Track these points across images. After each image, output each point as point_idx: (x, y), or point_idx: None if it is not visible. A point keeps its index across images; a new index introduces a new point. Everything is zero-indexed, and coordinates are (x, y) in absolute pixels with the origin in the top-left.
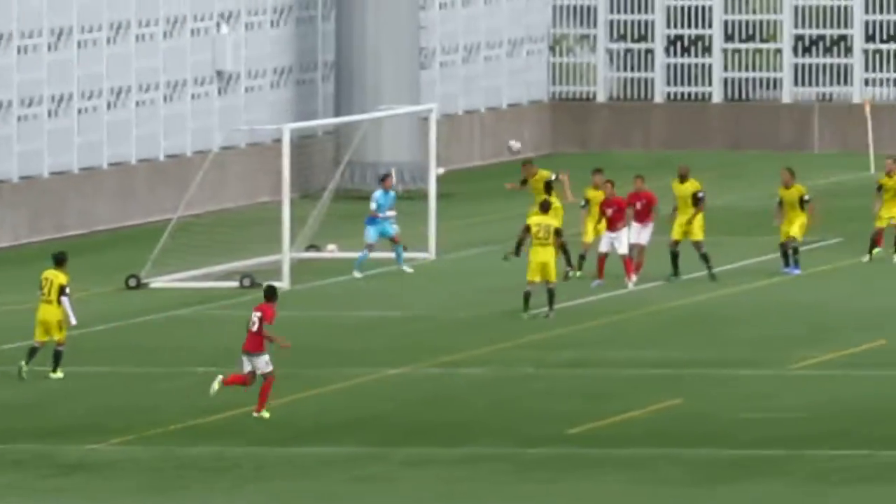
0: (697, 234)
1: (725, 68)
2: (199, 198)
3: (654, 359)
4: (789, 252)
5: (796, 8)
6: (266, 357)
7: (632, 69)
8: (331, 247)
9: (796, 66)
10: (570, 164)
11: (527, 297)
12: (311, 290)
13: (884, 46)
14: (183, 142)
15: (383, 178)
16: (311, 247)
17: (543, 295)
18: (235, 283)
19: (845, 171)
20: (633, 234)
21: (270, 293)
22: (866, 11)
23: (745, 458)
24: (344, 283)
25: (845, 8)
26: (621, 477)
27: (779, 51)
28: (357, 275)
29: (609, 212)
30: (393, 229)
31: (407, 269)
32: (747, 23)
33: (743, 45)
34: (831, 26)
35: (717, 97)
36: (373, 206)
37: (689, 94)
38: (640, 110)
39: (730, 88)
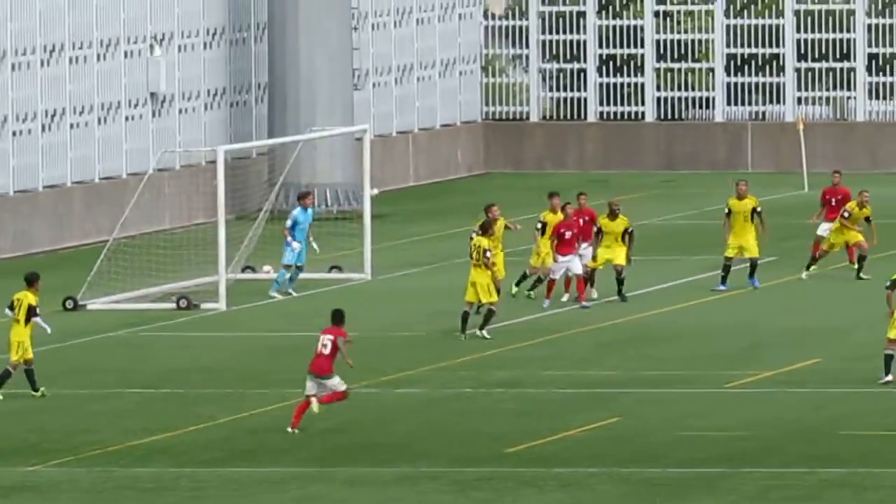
0: (620, 259)
1: (658, 87)
2: (135, 219)
3: (592, 378)
4: (730, 269)
5: (728, 27)
6: (337, 378)
7: (564, 89)
8: (266, 268)
9: (729, 84)
10: (503, 184)
11: (464, 317)
12: (248, 311)
13: (815, 65)
14: (118, 164)
15: (303, 196)
16: (247, 268)
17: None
18: (172, 305)
19: (779, 190)
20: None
21: (340, 316)
22: (798, 30)
23: (682, 476)
24: (280, 304)
25: (777, 27)
26: (559, 496)
27: (711, 70)
28: (276, 296)
29: (567, 234)
30: (303, 257)
31: (275, 294)
32: (679, 42)
33: (675, 65)
34: (763, 45)
35: (650, 116)
36: (288, 223)
37: (622, 114)
38: (574, 130)
39: (663, 107)
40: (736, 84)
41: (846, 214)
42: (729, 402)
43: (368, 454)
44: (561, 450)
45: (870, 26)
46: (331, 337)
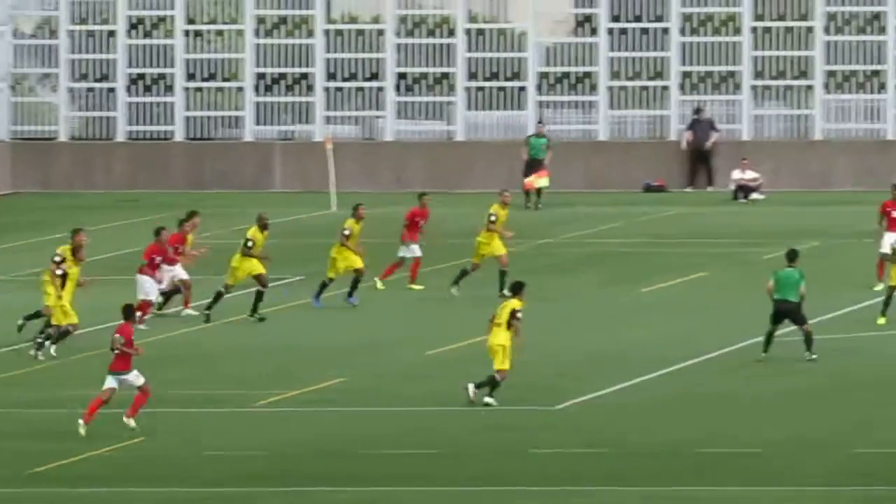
0: (260, 269)
1: (188, 107)
2: None
3: (119, 397)
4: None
5: (258, 47)
6: (135, 371)
7: (94, 108)
8: None
9: (258, 104)
10: (32, 204)
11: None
12: None
13: (345, 84)
14: None
15: None
16: None
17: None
18: None
19: (306, 209)
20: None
21: (129, 312)
22: (328, 50)
23: (208, 495)
24: None
25: (307, 46)
26: None
27: (241, 89)
28: None
29: (158, 260)
30: None
31: None
32: (209, 62)
33: (205, 84)
34: (293, 65)
35: (180, 135)
36: None
37: (152, 133)
38: (103, 149)
39: (192, 127)
40: (265, 104)
41: (493, 219)
42: (256, 422)
43: None
44: (86, 470)
45: (399, 46)
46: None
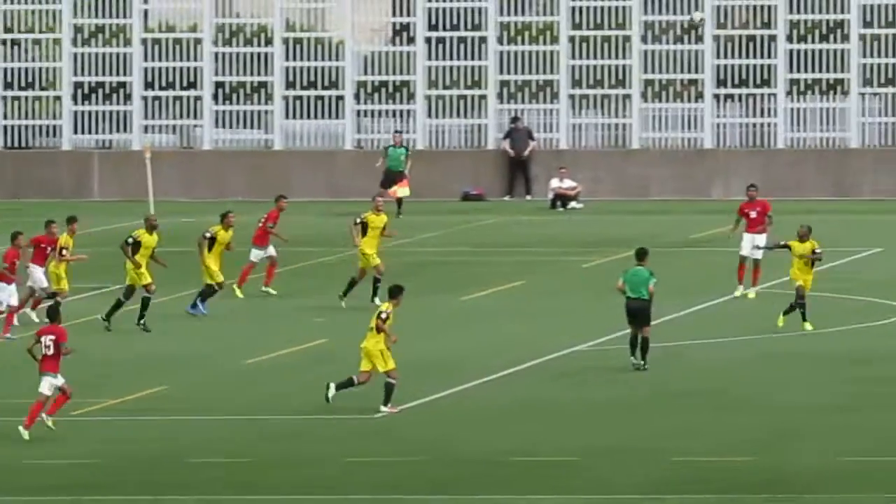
0: (148, 279)
1: (5, 116)
2: None
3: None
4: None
5: (76, 55)
6: (61, 378)
7: None
8: None
9: (76, 113)
10: None
11: None
12: None
13: (163, 93)
14: None
15: None
16: None
17: None
18: None
19: (125, 218)
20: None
21: (54, 313)
22: (145, 59)
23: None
24: None
25: (125, 55)
26: None
27: (58, 98)
28: None
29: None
30: None
31: None
32: (27, 70)
33: (23, 93)
34: (111, 74)
35: None
36: None
37: None
38: None
39: (10, 136)
40: (83, 112)
41: (358, 221)
42: (76, 430)
43: None
44: None
45: (216, 55)
46: (52, 336)
